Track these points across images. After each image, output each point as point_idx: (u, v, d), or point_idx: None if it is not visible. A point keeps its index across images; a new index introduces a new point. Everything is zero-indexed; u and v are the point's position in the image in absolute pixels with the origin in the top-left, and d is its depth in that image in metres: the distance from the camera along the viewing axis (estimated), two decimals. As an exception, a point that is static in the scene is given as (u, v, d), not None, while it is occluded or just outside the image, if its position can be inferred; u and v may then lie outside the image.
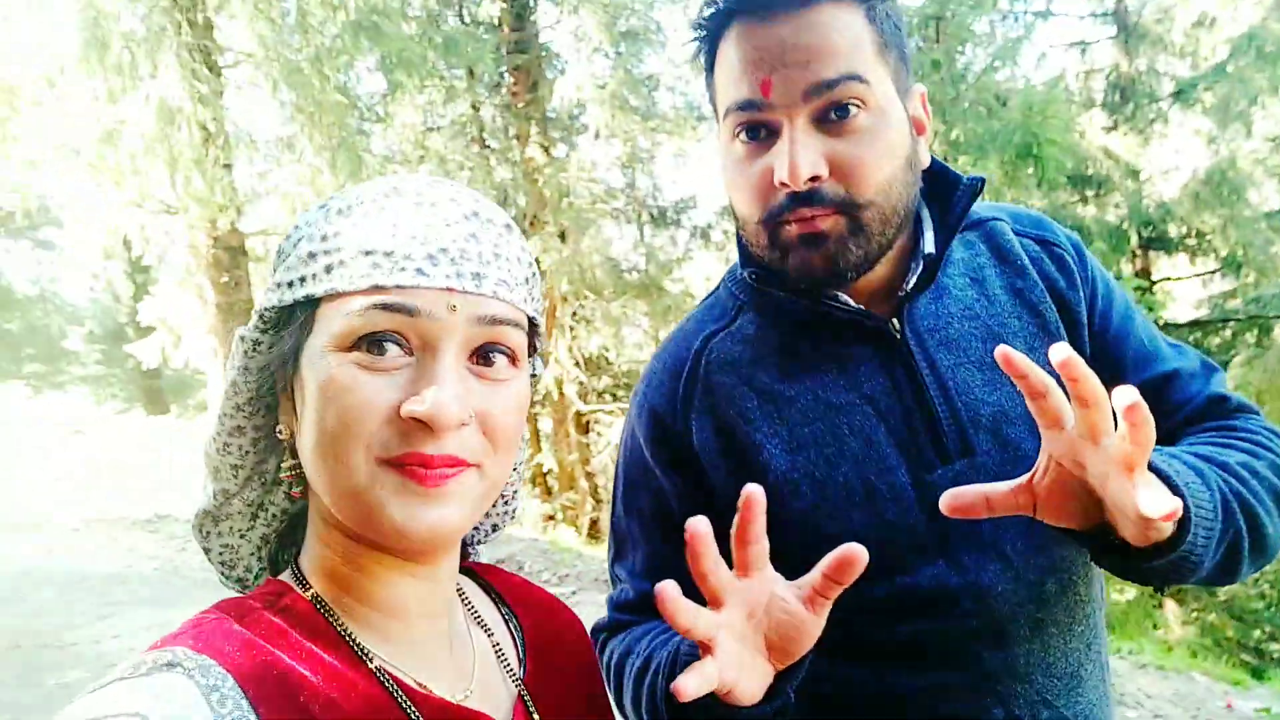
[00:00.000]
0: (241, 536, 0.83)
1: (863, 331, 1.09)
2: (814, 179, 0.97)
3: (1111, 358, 1.12)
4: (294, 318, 0.69)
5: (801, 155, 0.95)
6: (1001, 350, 0.75)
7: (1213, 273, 12.24)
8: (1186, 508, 0.81)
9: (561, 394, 12.50)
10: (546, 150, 12.56)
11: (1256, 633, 10.27)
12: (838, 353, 1.10)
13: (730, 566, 0.76)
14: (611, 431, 12.81)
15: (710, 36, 1.06)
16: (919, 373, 1.07)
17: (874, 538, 0.98)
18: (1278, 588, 10.25)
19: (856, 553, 0.75)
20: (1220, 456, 0.97)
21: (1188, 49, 12.45)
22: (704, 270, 13.97)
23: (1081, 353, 1.09)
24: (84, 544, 7.13)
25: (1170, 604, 10.05)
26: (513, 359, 0.72)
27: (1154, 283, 12.10)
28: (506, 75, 12.81)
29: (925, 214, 1.11)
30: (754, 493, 0.73)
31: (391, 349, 0.66)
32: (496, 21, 12.63)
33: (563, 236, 12.07)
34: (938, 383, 1.07)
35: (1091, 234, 11.04)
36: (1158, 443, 1.05)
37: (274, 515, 0.83)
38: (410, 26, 10.48)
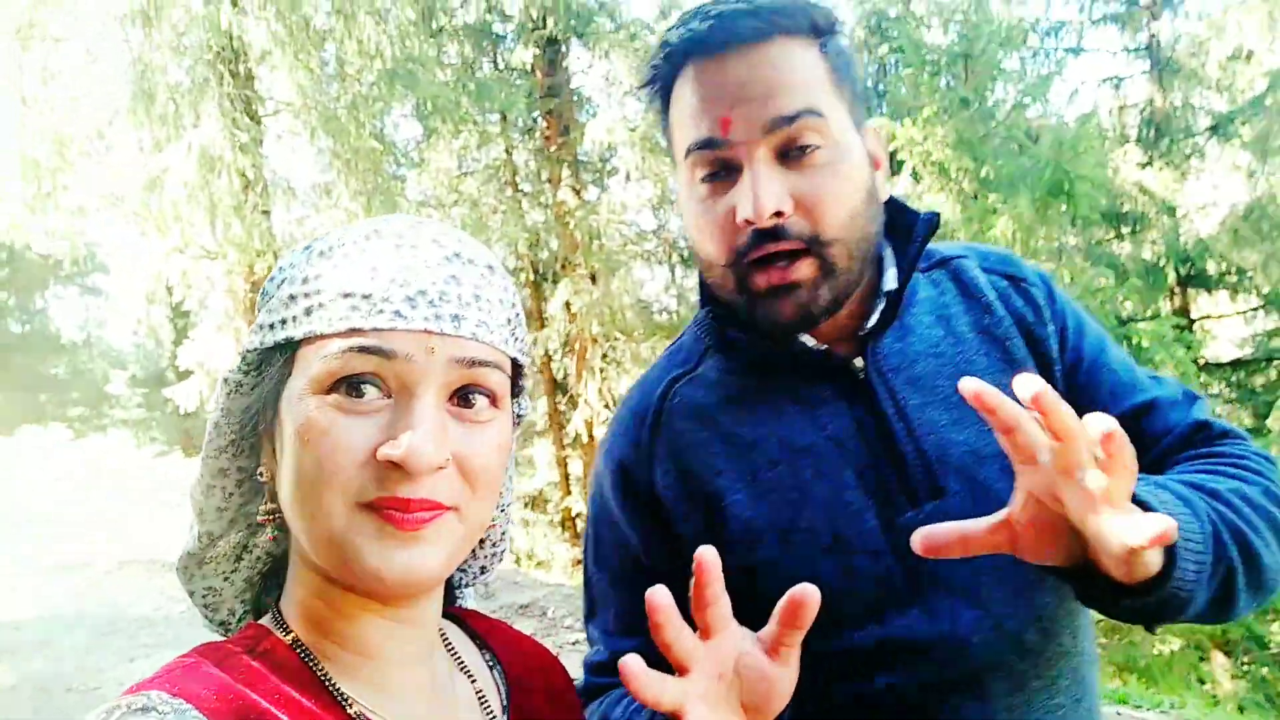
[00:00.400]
0: (225, 579, 0.82)
1: (826, 372, 1.06)
2: (778, 214, 0.95)
3: (1087, 392, 1.08)
4: (274, 360, 0.69)
5: (765, 190, 0.94)
6: (968, 384, 0.72)
7: (1255, 310, 12.01)
8: (1173, 545, 0.77)
9: (591, 436, 12.49)
10: (578, 193, 12.72)
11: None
12: (801, 394, 1.07)
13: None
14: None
15: (665, 79, 1.04)
16: (884, 412, 1.04)
17: (843, 585, 0.96)
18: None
19: (807, 593, 0.72)
20: (1209, 484, 0.92)
21: (1224, 82, 12.36)
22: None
23: (1054, 389, 1.05)
24: (117, 586, 7.19)
25: (1218, 656, 9.69)
26: (494, 401, 0.71)
27: (1193, 321, 11.87)
28: (539, 120, 13.05)
29: (887, 251, 1.09)
30: (706, 555, 0.71)
31: (369, 391, 0.66)
32: (529, 67, 12.89)
33: (594, 278, 12.16)
34: (904, 422, 1.04)
35: (1128, 271, 10.90)
36: (1141, 474, 1.00)
37: (258, 558, 0.82)
38: (445, 74, 10.74)
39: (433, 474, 0.65)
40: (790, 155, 0.96)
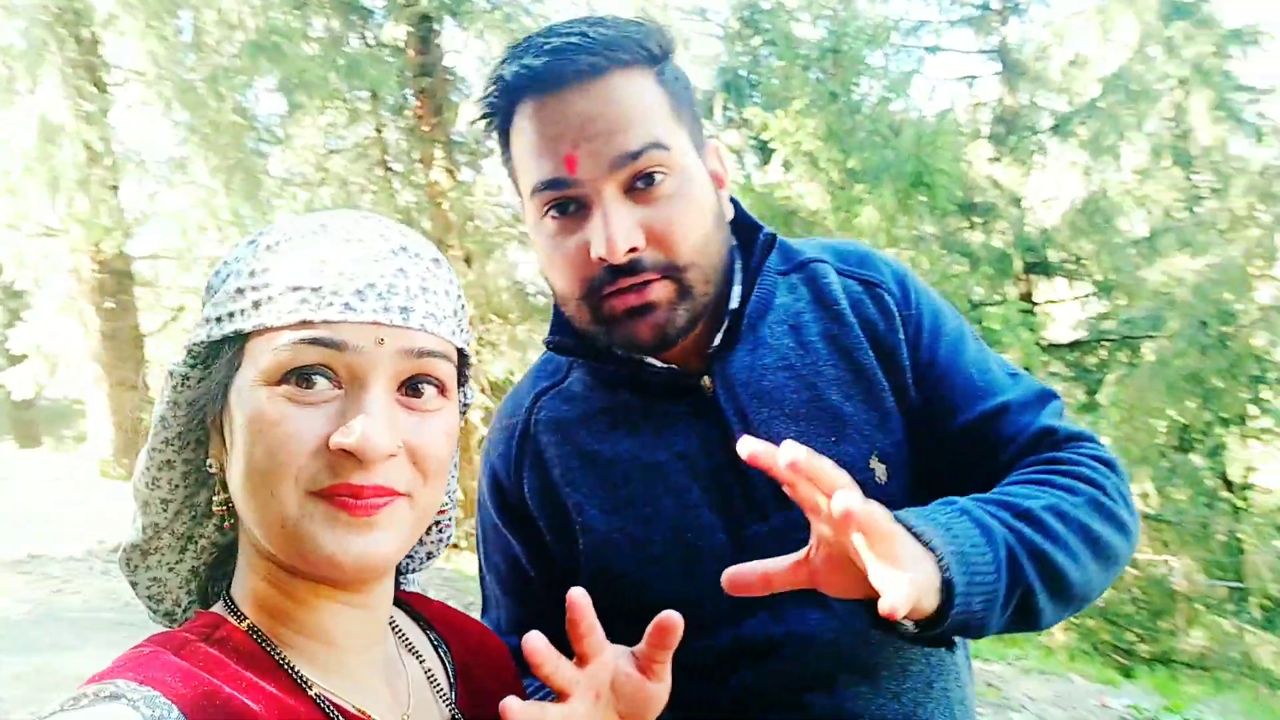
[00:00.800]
0: (170, 570, 0.82)
1: (676, 390, 1.08)
2: (633, 250, 0.95)
3: (940, 394, 1.10)
4: (222, 353, 0.70)
5: (617, 228, 0.94)
6: (745, 445, 0.76)
7: (1089, 296, 13.02)
8: (950, 581, 0.80)
9: (466, 420, 12.30)
10: (451, 174, 12.44)
11: (1129, 635, 10.86)
12: (653, 412, 1.09)
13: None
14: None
15: (502, 114, 1.03)
16: (730, 428, 1.05)
17: (695, 596, 0.98)
18: (1148, 593, 10.88)
19: (672, 619, 0.78)
20: (1024, 503, 0.94)
21: (1064, 85, 13.28)
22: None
23: (905, 395, 1.10)
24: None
25: (1056, 611, 10.56)
26: (441, 390, 0.73)
27: (1036, 305, 12.77)
28: (411, 98, 12.66)
29: (737, 265, 1.11)
30: (575, 596, 0.75)
31: (320, 382, 0.67)
32: (401, 44, 12.48)
33: (468, 261, 11.95)
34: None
35: (979, 259, 11.60)
36: (990, 479, 1.04)
37: (203, 548, 0.83)
38: (312, 47, 10.27)
39: (384, 461, 0.67)
40: (637, 188, 0.97)
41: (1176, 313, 10.91)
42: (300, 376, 0.66)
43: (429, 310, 0.71)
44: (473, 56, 12.57)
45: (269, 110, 11.81)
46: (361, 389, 0.67)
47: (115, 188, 8.73)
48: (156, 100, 8.85)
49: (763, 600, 1.01)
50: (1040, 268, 12.54)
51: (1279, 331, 11.09)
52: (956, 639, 1.10)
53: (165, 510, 0.78)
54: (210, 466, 0.74)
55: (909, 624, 0.83)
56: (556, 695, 0.76)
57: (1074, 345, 12.88)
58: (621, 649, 0.82)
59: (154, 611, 0.84)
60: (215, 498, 0.74)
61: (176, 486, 0.77)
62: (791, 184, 9.96)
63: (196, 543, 0.82)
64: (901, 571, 0.75)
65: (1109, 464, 1.05)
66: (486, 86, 1.02)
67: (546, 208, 1.00)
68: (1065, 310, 13.80)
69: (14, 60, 8.08)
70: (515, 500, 1.14)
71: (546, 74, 0.95)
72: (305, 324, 0.66)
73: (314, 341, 0.66)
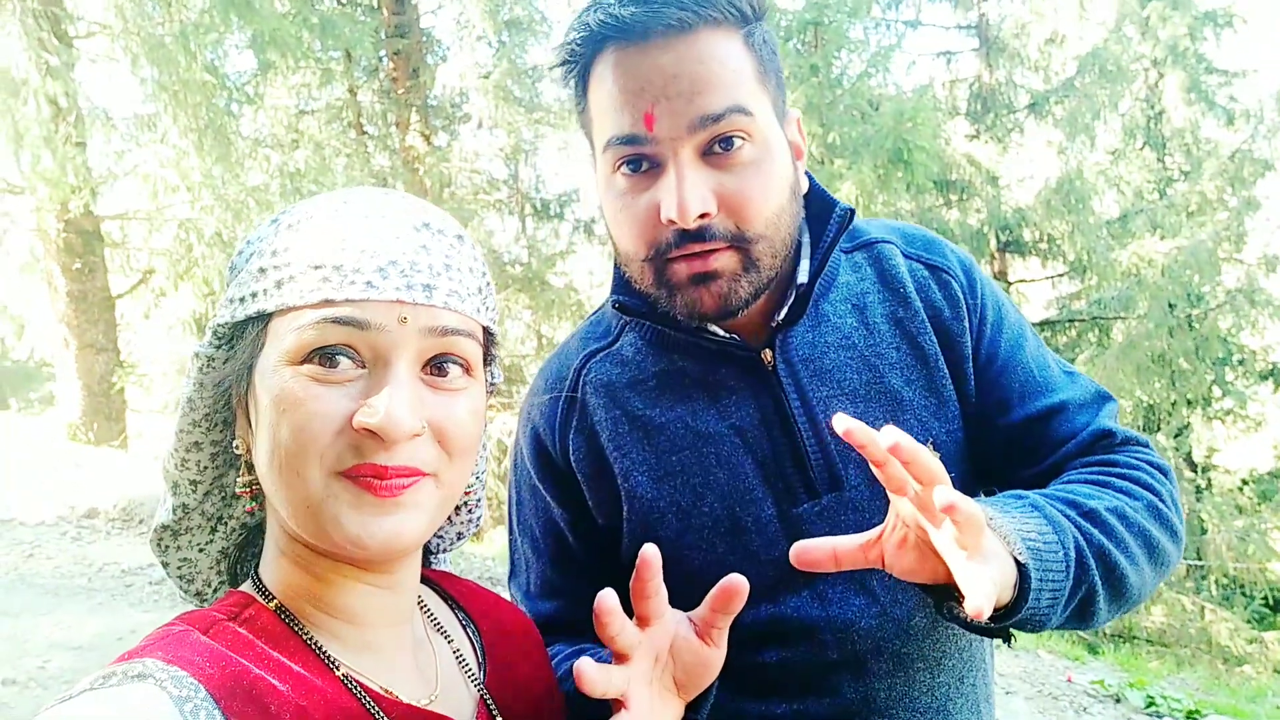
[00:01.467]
0: (200, 550, 0.82)
1: (735, 361, 1.06)
2: (703, 215, 0.93)
3: (999, 389, 1.09)
4: (246, 333, 0.70)
5: (690, 192, 0.92)
6: (840, 422, 0.72)
7: (1061, 276, 13.18)
8: (1027, 576, 0.80)
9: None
10: (427, 139, 12.28)
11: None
12: (710, 381, 1.07)
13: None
14: (492, 427, 12.66)
15: (583, 62, 1.00)
16: (788, 404, 1.05)
17: (739, 569, 0.98)
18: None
19: (738, 584, 0.78)
20: (1089, 502, 0.94)
21: (1041, 64, 13.34)
22: (587, 264, 13.98)
23: (964, 384, 1.10)
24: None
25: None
26: (467, 369, 0.72)
27: (1010, 284, 12.91)
28: (386, 60, 12.45)
29: (805, 240, 1.09)
30: (649, 554, 0.75)
31: (343, 362, 0.66)
32: (376, 4, 12.25)
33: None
34: (807, 415, 1.05)
35: (955, 236, 11.69)
36: (1041, 476, 1.05)
37: (232, 529, 0.83)
38: (284, 4, 10.03)
39: (409, 441, 0.67)
40: (715, 152, 0.94)
41: (1146, 294, 11.09)
42: (323, 356, 0.66)
43: (453, 288, 0.70)
44: (449, 19, 12.35)
45: (240, 69, 11.51)
46: (385, 368, 0.67)
47: (82, 145, 8.49)
48: (123, 55, 8.61)
49: (807, 580, 1.03)
50: (1014, 246, 12.66)
51: (1245, 315, 11.31)
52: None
53: (195, 491, 0.78)
54: (237, 448, 0.74)
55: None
56: (615, 657, 0.76)
57: (1045, 324, 13.05)
58: (681, 615, 0.83)
59: (185, 591, 0.84)
60: (240, 479, 0.74)
61: (205, 468, 0.77)
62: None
63: (226, 524, 0.82)
64: (984, 567, 0.74)
65: (1163, 470, 1.05)
66: (568, 31, 0.99)
67: (619, 163, 0.97)
68: (1038, 290, 13.97)
69: (-27, 10, 7.82)
70: (560, 462, 1.12)
71: (633, 24, 0.92)
72: (327, 303, 0.66)
73: (336, 320, 0.65)
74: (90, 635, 4.91)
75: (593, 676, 0.71)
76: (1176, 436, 12.54)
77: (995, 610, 0.81)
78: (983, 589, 0.70)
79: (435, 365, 0.70)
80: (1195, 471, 13.93)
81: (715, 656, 0.82)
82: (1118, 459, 1.05)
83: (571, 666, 1.00)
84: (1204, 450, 14.39)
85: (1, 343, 12.09)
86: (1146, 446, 1.09)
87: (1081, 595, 0.89)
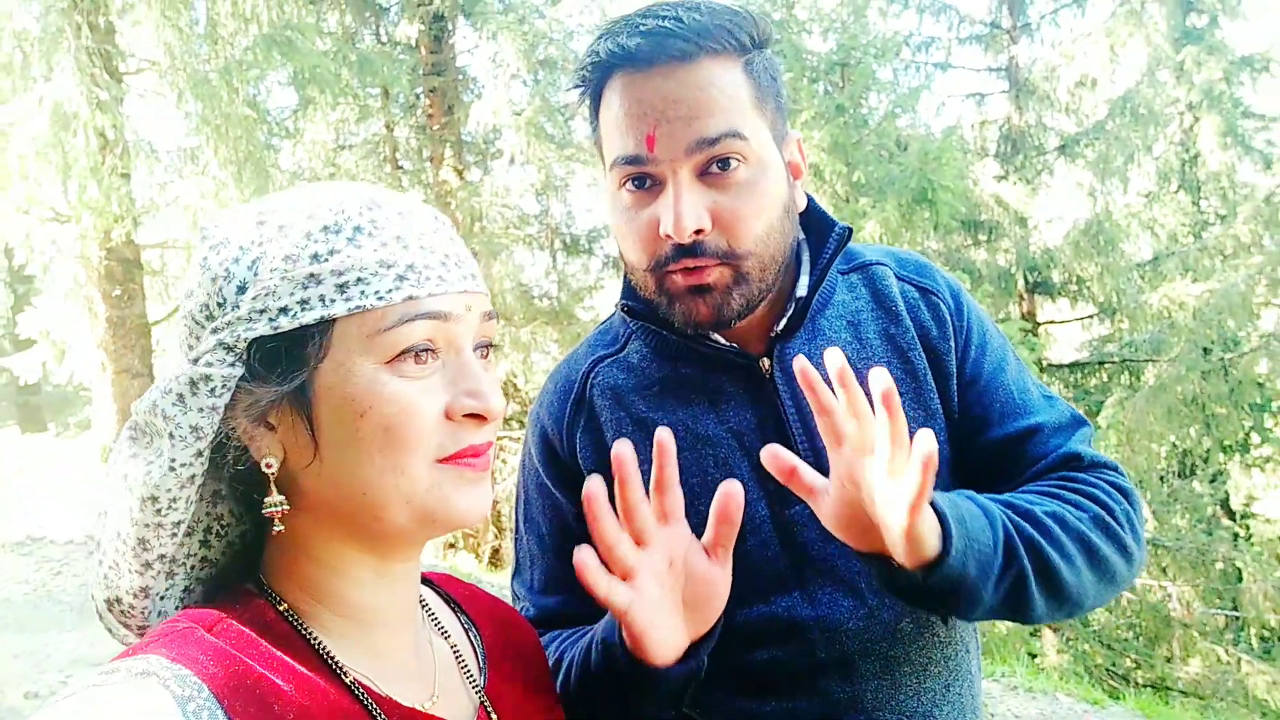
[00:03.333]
0: (162, 598, 0.76)
1: (735, 369, 1.12)
2: (698, 231, 0.99)
3: (980, 407, 1.14)
4: (300, 342, 0.67)
5: (686, 210, 0.98)
6: (833, 358, 0.81)
7: (1091, 317, 13.02)
8: (947, 528, 0.86)
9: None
10: (460, 174, 12.52)
11: (1126, 661, 10.83)
12: (710, 388, 1.13)
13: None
14: (516, 459, 12.70)
15: (594, 87, 1.07)
16: (784, 411, 1.10)
17: (732, 567, 1.02)
18: (1144, 619, 10.85)
19: (733, 488, 0.85)
20: (1027, 505, 1.00)
21: (1072, 106, 13.29)
22: (615, 299, 14.00)
23: (950, 401, 1.15)
24: (-53, 566, 6.68)
25: (1048, 633, 10.52)
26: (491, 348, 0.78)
27: (1038, 325, 12.77)
28: (422, 97, 12.75)
29: (805, 256, 1.15)
30: (663, 437, 0.82)
31: (430, 356, 0.70)
32: (414, 43, 12.57)
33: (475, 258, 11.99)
34: (802, 422, 1.10)
35: (982, 276, 11.62)
36: (1009, 492, 1.09)
37: (192, 567, 0.77)
38: (325, 43, 10.35)
39: None
40: (712, 172, 1.00)
41: (1178, 337, 10.91)
42: (417, 353, 0.69)
43: (481, 275, 0.76)
44: (484, 58, 12.63)
45: (280, 104, 11.85)
46: (458, 354, 0.72)
47: (127, 176, 8.77)
48: (169, 90, 8.91)
49: (797, 580, 1.08)
50: (1043, 287, 12.54)
51: (1280, 359, 11.07)
52: (968, 644, 1.17)
53: (176, 535, 0.71)
54: (268, 467, 0.70)
55: (916, 572, 0.88)
56: (634, 539, 0.84)
57: (1075, 366, 12.88)
58: (693, 537, 0.89)
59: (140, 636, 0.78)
60: (270, 499, 0.70)
61: (191, 504, 0.71)
62: (797, 195, 9.98)
63: (184, 564, 0.76)
64: (909, 499, 0.80)
65: (1124, 492, 1.09)
66: (582, 59, 1.07)
67: (624, 180, 1.04)
68: (1067, 331, 13.80)
69: (30, 46, 8.16)
70: (567, 459, 1.18)
71: (638, 54, 0.99)
72: (411, 300, 0.68)
73: (422, 316, 0.68)
74: (110, 652, 4.98)
75: (596, 570, 0.78)
76: (1212, 482, 12.24)
77: (923, 565, 0.87)
78: (906, 507, 0.79)
79: (480, 347, 0.76)
80: (1233, 519, 13.56)
81: (722, 577, 0.87)
82: (1077, 476, 1.09)
83: (568, 646, 1.04)
84: (1242, 498, 14.02)
85: (43, 367, 12.39)
86: (1115, 470, 1.12)
87: (1012, 577, 0.94)
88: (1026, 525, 0.96)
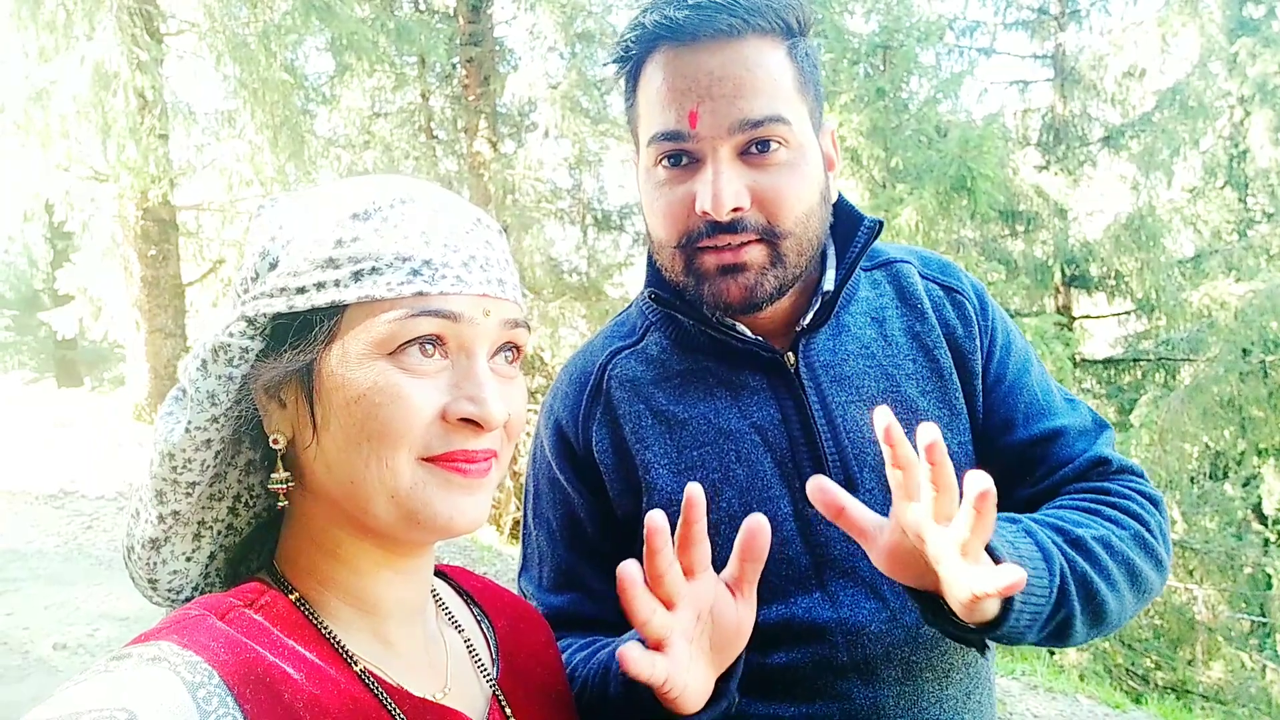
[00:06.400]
0: (188, 559, 0.78)
1: (759, 362, 1.10)
2: (737, 209, 0.98)
3: (1004, 408, 1.13)
4: (311, 324, 0.68)
5: (726, 187, 0.97)
6: (881, 416, 0.76)
7: (1128, 313, 12.80)
8: (1011, 599, 0.83)
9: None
10: (494, 145, 12.49)
11: (1147, 661, 10.74)
12: (733, 381, 1.11)
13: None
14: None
15: (635, 59, 1.05)
16: (808, 406, 1.08)
17: None
18: (1168, 621, 10.73)
19: (759, 522, 0.80)
20: (1076, 530, 0.97)
21: (1119, 97, 13.01)
22: (643, 279, 13.97)
23: (974, 400, 1.13)
24: (-17, 517, 6.84)
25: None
26: (518, 356, 0.77)
27: (1073, 319, 12.58)
28: (458, 67, 12.71)
29: (830, 250, 1.13)
30: (694, 493, 0.77)
31: (434, 353, 0.69)
32: (452, 12, 12.53)
33: (505, 233, 12.00)
34: (826, 417, 1.08)
35: (1018, 268, 11.45)
36: (1036, 497, 1.09)
37: (218, 531, 0.79)
38: (363, 9, 10.33)
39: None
40: (752, 152, 0.99)
41: (1217, 337, 10.70)
42: (421, 346, 0.68)
43: (514, 282, 0.75)
44: (522, 29, 12.55)
45: (318, 70, 11.87)
46: (469, 358, 0.70)
47: (165, 137, 8.84)
48: (208, 53, 8.96)
49: (818, 581, 1.05)
50: (1080, 281, 12.34)
51: (1322, 363, 10.83)
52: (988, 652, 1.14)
53: (190, 494, 0.73)
54: (275, 443, 0.71)
55: (968, 624, 0.85)
56: (651, 645, 0.77)
57: (1109, 362, 12.69)
58: (717, 577, 0.84)
59: (173, 605, 0.80)
60: (276, 475, 0.72)
61: (207, 467, 0.73)
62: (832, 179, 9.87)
63: (211, 527, 0.78)
64: (977, 569, 0.76)
65: (1154, 501, 1.08)
66: (624, 31, 1.04)
67: (661, 157, 1.02)
68: (1103, 326, 13.59)
69: (72, 4, 8.21)
70: (582, 453, 1.15)
71: (685, 27, 0.97)
72: (421, 296, 0.67)
73: (429, 313, 0.67)
74: (136, 607, 5.08)
75: (638, 587, 0.74)
76: (1245, 485, 12.05)
77: (976, 622, 0.84)
78: (997, 577, 0.73)
79: (501, 353, 0.74)
80: (1265, 524, 13.36)
81: (747, 615, 0.84)
82: (1110, 487, 1.08)
83: (580, 660, 1.01)
84: (1276, 502, 13.80)
85: (80, 323, 12.59)
86: (1141, 476, 1.12)
87: (1060, 619, 0.92)
88: (1079, 558, 0.94)
